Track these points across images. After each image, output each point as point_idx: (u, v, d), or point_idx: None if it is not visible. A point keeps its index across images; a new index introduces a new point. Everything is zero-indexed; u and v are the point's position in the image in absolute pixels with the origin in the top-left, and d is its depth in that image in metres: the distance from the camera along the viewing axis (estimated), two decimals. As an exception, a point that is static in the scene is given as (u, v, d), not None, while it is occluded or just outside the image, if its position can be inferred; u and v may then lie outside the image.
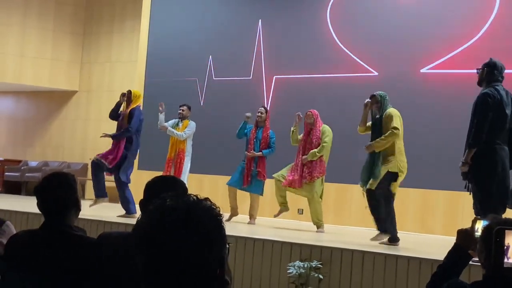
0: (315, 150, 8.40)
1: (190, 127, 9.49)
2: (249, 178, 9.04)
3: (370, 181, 7.04)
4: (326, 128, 8.57)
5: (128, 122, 8.87)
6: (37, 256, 2.83)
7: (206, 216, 1.43)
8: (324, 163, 8.45)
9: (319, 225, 8.47)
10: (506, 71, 6.34)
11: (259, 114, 9.13)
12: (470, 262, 2.81)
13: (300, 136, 8.65)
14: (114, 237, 2.79)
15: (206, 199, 1.47)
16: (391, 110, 7.19)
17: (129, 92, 9.10)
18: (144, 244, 1.42)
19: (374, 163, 7.10)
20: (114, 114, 9.19)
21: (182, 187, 2.74)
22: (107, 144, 13.41)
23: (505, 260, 2.37)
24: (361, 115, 7.42)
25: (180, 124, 9.56)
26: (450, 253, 2.73)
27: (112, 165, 8.88)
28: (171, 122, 9.65)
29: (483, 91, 6.12)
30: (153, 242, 1.41)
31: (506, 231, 2.37)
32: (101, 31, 14.53)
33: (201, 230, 1.41)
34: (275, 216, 8.73)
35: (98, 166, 8.98)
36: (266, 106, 9.29)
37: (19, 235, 3.03)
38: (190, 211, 1.42)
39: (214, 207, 1.46)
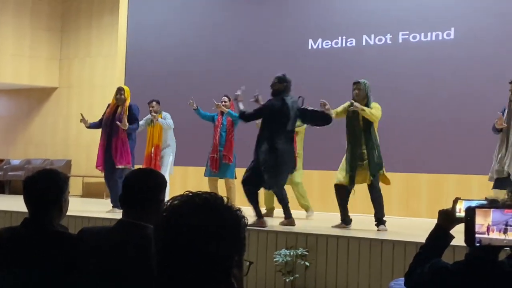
0: None
1: (168, 117, 9.57)
2: (218, 163, 9.14)
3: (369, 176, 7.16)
4: None
5: (128, 118, 8.81)
6: (16, 253, 2.82)
7: (228, 215, 1.49)
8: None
9: (307, 208, 8.58)
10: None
11: (223, 102, 9.29)
12: (454, 243, 2.83)
13: None
14: (95, 232, 2.78)
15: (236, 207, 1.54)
16: (377, 104, 7.32)
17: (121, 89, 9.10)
18: (165, 224, 1.48)
19: (363, 156, 7.17)
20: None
21: (160, 178, 2.73)
22: (90, 140, 13.40)
23: (485, 236, 2.42)
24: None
25: (155, 122, 9.53)
26: (432, 234, 2.75)
27: (123, 164, 8.76)
28: (143, 121, 9.55)
29: None
30: (172, 224, 1.46)
31: (480, 210, 2.42)
32: (79, 26, 14.42)
33: (218, 224, 1.46)
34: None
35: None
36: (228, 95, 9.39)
37: None
38: (217, 205, 1.49)
39: (241, 213, 1.52)
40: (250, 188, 7.33)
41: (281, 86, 7.36)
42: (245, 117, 7.54)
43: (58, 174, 3.02)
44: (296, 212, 8.76)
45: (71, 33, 14.55)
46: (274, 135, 7.24)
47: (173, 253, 1.45)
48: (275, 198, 8.82)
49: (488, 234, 2.40)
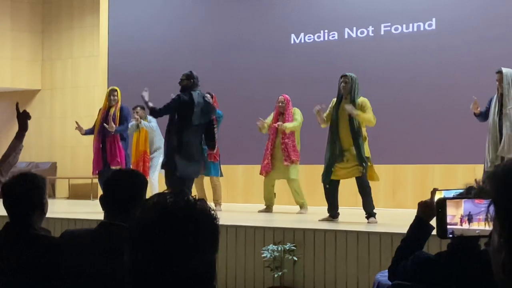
0: (289, 124, 8.56)
1: (153, 121, 9.49)
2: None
3: (357, 167, 7.11)
4: (296, 109, 8.78)
5: (119, 119, 8.67)
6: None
7: (204, 218, 1.44)
8: (296, 147, 8.60)
9: (302, 205, 8.66)
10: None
11: None
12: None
13: (269, 120, 8.80)
14: (78, 235, 2.76)
15: (203, 201, 1.47)
16: (365, 99, 7.28)
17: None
18: (139, 239, 1.41)
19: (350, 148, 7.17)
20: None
21: (141, 178, 2.72)
22: (75, 142, 13.32)
23: (457, 227, 2.41)
24: (323, 115, 7.46)
25: (140, 127, 9.45)
26: (412, 225, 2.75)
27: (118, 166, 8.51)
28: (130, 125, 9.41)
29: None
30: (148, 238, 1.40)
31: (451, 201, 2.42)
32: (61, 27, 14.31)
33: (198, 231, 1.41)
34: (260, 211, 8.83)
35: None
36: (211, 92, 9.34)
37: None
38: (190, 211, 1.42)
39: (212, 210, 1.47)
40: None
41: (188, 82, 7.58)
42: (155, 112, 7.67)
43: (36, 176, 3.01)
44: (289, 208, 8.80)
45: (53, 35, 14.44)
46: (182, 129, 7.33)
47: (154, 263, 1.39)
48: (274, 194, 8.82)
49: (461, 225, 2.40)
